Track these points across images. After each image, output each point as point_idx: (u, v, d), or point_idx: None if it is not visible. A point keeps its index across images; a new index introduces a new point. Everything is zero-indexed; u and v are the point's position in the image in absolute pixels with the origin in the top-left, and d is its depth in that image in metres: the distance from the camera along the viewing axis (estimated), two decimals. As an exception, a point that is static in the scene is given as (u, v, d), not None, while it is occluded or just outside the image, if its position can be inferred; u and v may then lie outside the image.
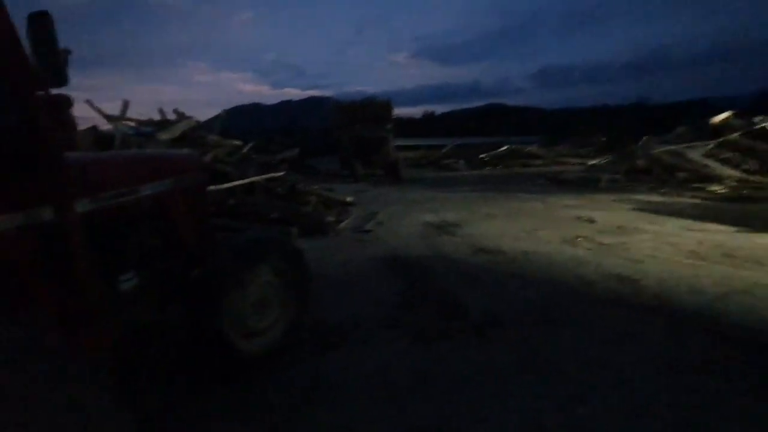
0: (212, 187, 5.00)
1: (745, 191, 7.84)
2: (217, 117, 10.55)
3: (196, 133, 8.33)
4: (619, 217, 5.84)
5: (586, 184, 9.84)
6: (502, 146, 18.31)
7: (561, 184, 10.32)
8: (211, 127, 9.53)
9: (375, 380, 2.05)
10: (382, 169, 13.55)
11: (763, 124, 9.61)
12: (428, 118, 67.24)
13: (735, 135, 9.53)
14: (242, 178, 6.55)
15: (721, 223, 5.29)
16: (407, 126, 38.30)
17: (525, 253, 4.21)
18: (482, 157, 17.77)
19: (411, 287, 3.32)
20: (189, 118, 8.62)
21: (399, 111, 21.17)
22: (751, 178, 8.37)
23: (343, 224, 5.96)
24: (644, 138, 11.86)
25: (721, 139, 9.66)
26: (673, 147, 10.14)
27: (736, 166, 8.81)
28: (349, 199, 7.75)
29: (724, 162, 9.03)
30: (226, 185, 5.94)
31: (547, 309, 2.81)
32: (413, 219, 6.25)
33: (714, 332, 2.40)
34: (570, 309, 2.81)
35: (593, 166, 13.20)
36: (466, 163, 17.54)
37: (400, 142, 16.70)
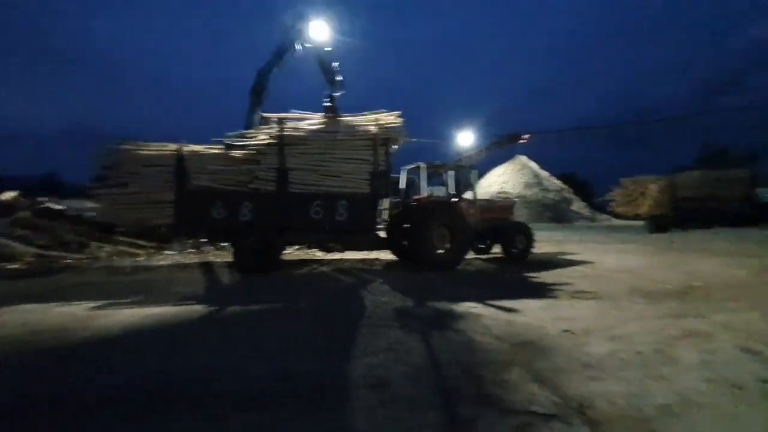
0: None
1: (41, 265, 8.27)
2: None
3: None
4: None
5: None
6: None
7: None
8: None
9: None
10: None
11: (48, 204, 10.55)
12: None
13: (25, 213, 9.78)
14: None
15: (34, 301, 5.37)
16: None
17: None
18: None
19: None
20: None
21: None
22: (46, 253, 8.96)
23: None
24: None
25: (13, 217, 9.57)
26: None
27: (30, 243, 9.07)
28: None
29: (20, 239, 9.05)
30: None
31: None
32: None
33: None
34: None
35: None
36: None
37: None
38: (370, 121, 8.24)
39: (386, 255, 9.79)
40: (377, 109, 8.43)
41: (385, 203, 9.58)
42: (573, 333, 3.83)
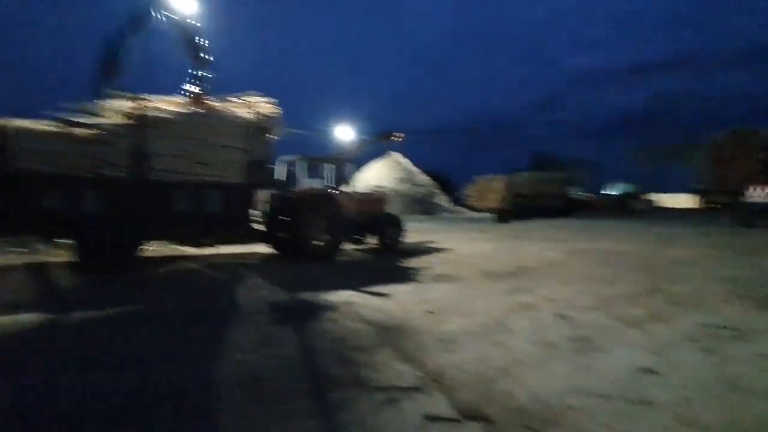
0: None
1: None
2: None
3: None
4: None
5: None
6: None
7: None
8: None
9: None
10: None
11: None
12: None
13: None
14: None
15: None
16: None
17: None
18: None
19: None
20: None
21: None
22: None
23: None
24: None
25: None
26: None
27: None
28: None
29: None
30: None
31: None
32: None
33: None
34: None
35: None
36: None
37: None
38: (245, 107, 7.70)
39: (263, 248, 9.34)
40: (253, 94, 7.93)
41: (263, 195, 9.12)
42: (433, 313, 4.22)
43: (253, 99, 7.85)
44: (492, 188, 23.89)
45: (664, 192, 34.30)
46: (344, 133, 24.16)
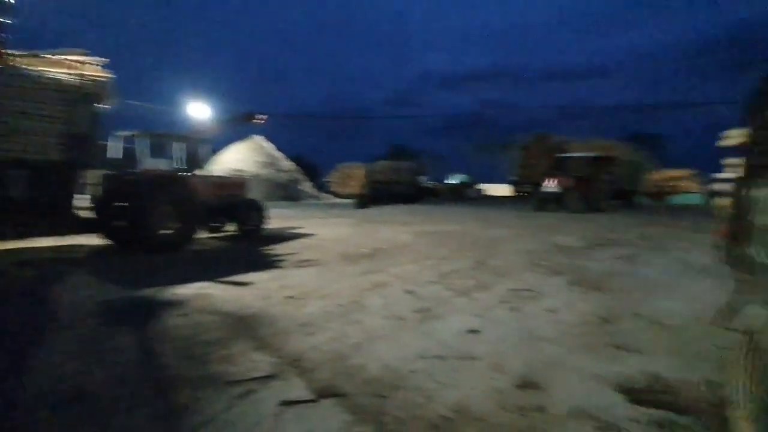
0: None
1: None
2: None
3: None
4: None
5: None
6: None
7: None
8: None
9: None
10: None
11: None
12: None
13: None
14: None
15: None
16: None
17: None
18: None
19: None
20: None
21: None
22: None
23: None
24: None
25: None
26: None
27: None
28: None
29: None
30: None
31: None
32: None
33: None
34: None
35: None
36: None
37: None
38: (62, 66, 6.14)
39: (94, 240, 7.74)
40: (73, 51, 6.36)
41: (93, 176, 7.51)
42: (294, 298, 4.16)
43: (73, 57, 6.32)
44: (353, 175, 24.69)
45: (490, 182, 40.71)
46: (199, 111, 21.56)
